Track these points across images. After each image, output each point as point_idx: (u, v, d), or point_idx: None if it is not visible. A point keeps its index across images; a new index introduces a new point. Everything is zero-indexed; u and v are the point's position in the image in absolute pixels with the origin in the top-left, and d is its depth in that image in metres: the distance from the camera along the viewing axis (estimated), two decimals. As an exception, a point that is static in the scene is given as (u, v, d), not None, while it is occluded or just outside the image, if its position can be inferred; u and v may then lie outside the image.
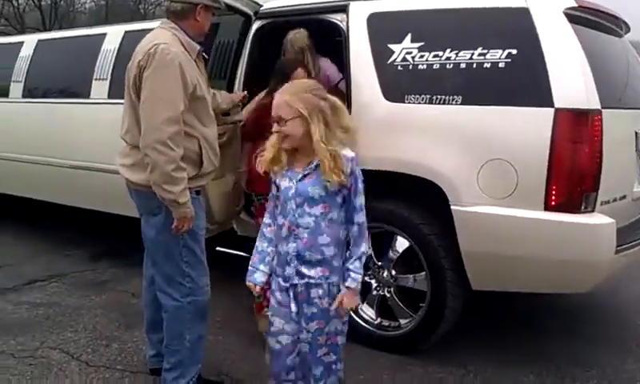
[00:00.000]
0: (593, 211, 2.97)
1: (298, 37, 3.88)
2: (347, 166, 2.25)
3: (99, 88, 4.91)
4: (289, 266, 2.32)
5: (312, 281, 2.31)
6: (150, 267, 2.96)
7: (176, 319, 2.84)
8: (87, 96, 4.98)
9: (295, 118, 2.23)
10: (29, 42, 6.01)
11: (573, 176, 2.93)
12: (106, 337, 3.70)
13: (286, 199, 2.30)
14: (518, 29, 3.11)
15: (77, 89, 5.19)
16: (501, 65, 3.09)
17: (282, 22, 4.02)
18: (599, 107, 2.93)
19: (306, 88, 2.30)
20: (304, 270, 2.30)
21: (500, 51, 3.10)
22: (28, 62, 5.75)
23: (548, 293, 3.74)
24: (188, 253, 2.79)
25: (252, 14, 4.06)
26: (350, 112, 3.45)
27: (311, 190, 2.26)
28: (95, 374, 3.24)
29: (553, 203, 2.92)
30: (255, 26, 4.08)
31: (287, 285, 2.34)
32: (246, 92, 3.78)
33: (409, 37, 3.37)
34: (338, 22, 3.68)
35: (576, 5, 3.14)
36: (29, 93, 5.64)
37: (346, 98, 3.49)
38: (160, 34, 2.77)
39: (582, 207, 2.93)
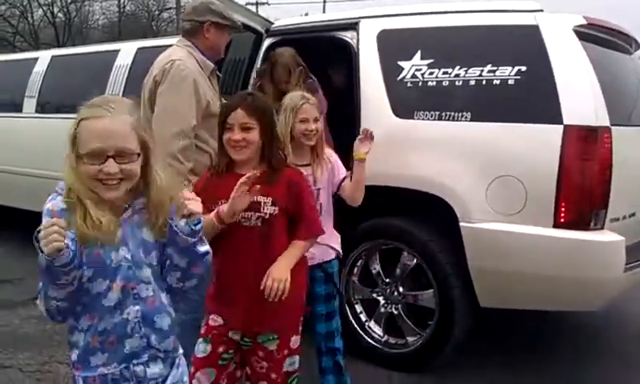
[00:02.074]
0: (602, 228, 2.96)
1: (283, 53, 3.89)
2: None
3: (112, 103, 4.95)
4: None
5: None
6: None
7: (180, 335, 2.84)
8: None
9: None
10: (43, 57, 6.09)
11: (582, 193, 2.92)
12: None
13: None
14: (527, 46, 3.13)
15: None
16: (510, 82, 3.10)
17: (292, 39, 4.05)
18: (608, 124, 2.93)
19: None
20: None
21: (509, 68, 3.10)
22: (42, 78, 5.82)
23: (557, 310, 3.71)
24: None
25: (263, 31, 4.10)
26: (359, 129, 3.48)
27: None
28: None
29: (562, 220, 2.90)
30: (266, 43, 4.11)
31: None
32: None
33: (418, 54, 3.39)
34: (349, 40, 3.71)
35: (585, 22, 3.15)
36: (42, 108, 5.70)
37: (356, 114, 3.51)
38: (176, 51, 2.84)
39: (592, 224, 2.92)
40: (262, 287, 2.14)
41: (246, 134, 2.20)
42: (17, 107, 5.87)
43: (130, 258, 1.63)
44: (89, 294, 1.60)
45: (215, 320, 2.28)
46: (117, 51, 5.24)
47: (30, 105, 5.77)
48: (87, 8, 34.19)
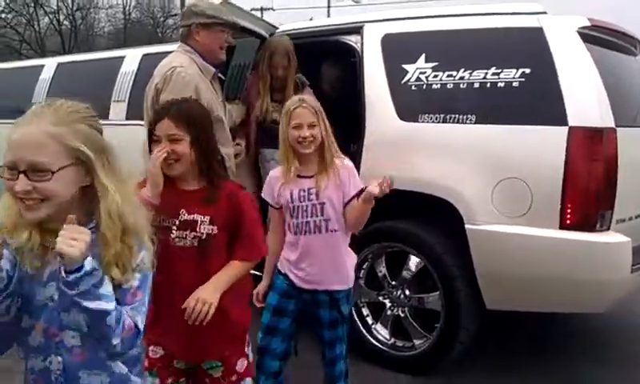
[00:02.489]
0: (608, 230, 2.96)
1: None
2: None
3: (117, 109, 4.99)
4: None
5: None
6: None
7: None
8: (106, 117, 5.05)
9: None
10: (49, 65, 6.13)
11: (588, 194, 2.92)
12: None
13: None
14: (531, 48, 3.13)
15: (96, 110, 5.24)
16: (515, 84, 3.10)
17: (297, 44, 4.06)
18: (613, 125, 2.93)
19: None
20: None
21: (514, 70, 3.11)
22: (48, 85, 5.86)
23: (563, 312, 3.70)
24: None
25: (268, 36, 4.12)
26: (364, 132, 3.49)
27: None
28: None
29: (568, 222, 2.90)
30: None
31: None
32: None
33: (423, 57, 3.40)
34: (353, 44, 3.72)
35: (589, 24, 3.16)
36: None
37: (361, 117, 3.52)
38: (177, 57, 2.85)
39: (598, 226, 2.92)
40: (183, 306, 1.95)
41: (175, 146, 2.01)
42: (23, 114, 5.91)
43: (57, 298, 1.36)
44: (18, 325, 1.41)
45: (155, 351, 2.12)
46: (122, 58, 5.27)
47: (36, 111, 5.79)
48: (93, 15, 34.47)
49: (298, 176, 2.51)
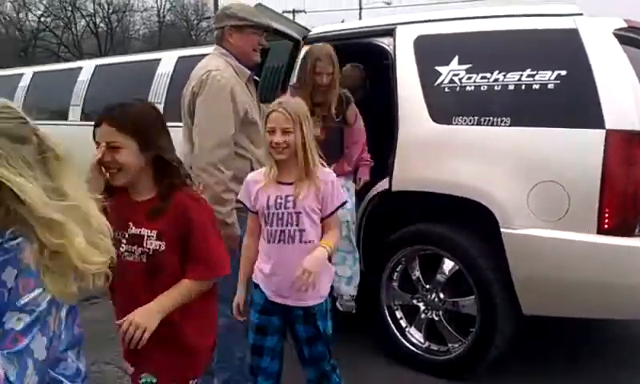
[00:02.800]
0: (647, 234, 2.90)
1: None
2: None
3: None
4: None
5: None
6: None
7: (227, 336, 2.90)
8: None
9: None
10: (87, 67, 6.26)
11: (626, 198, 2.87)
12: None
13: None
14: (567, 50, 3.09)
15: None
16: (550, 86, 3.06)
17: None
18: (652, 128, 2.87)
19: None
20: None
21: (549, 72, 3.07)
22: (86, 87, 5.99)
23: (601, 318, 3.64)
24: (240, 271, 2.84)
25: (300, 38, 4.14)
26: (397, 135, 3.48)
27: None
28: (147, 391, 3.30)
29: (605, 226, 2.85)
30: (304, 50, 4.15)
31: None
32: None
33: (456, 59, 3.38)
34: (385, 46, 3.72)
35: (626, 25, 3.10)
36: (86, 116, 5.85)
37: (393, 120, 3.51)
38: (212, 61, 2.89)
39: (637, 230, 2.87)
40: (117, 326, 1.80)
41: (115, 154, 1.83)
42: (63, 115, 6.06)
43: None
44: None
45: (129, 368, 2.02)
46: (158, 60, 5.37)
47: (75, 113, 5.95)
48: (128, 18, 35.06)
49: (278, 182, 2.39)
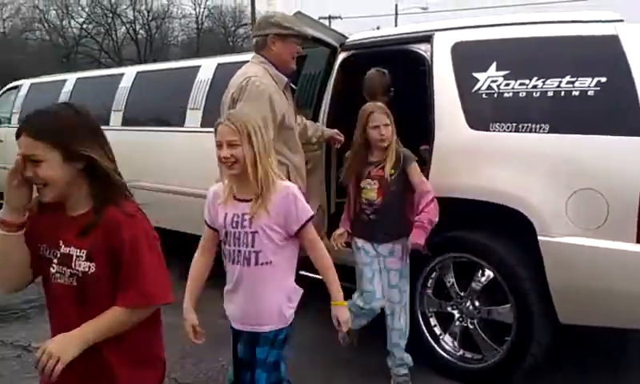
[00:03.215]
0: (687, 244, 2.83)
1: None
2: None
3: (193, 117, 5.16)
4: None
5: None
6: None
7: None
8: (182, 124, 5.24)
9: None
10: (128, 73, 6.39)
11: (666, 207, 2.81)
12: (194, 355, 3.84)
13: None
14: (607, 56, 3.05)
15: (172, 117, 5.47)
16: (590, 93, 3.03)
17: (367, 53, 4.10)
18: (693, 136, 2.82)
19: None
20: None
21: (589, 79, 3.04)
22: (127, 93, 6.12)
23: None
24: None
25: (338, 45, 4.17)
26: (433, 141, 3.48)
27: None
28: (184, 391, 3.34)
29: (645, 235, 2.81)
30: (341, 57, 4.18)
31: None
32: (341, 134, 3.87)
33: (494, 65, 3.36)
34: (423, 53, 3.71)
35: (668, 32, 3.05)
36: (127, 121, 5.98)
37: (430, 126, 3.51)
38: (251, 68, 2.95)
39: (677, 240, 2.81)
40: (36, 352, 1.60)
41: (37, 169, 1.62)
42: (104, 120, 6.19)
43: None
44: None
45: None
46: (198, 67, 5.45)
47: (116, 118, 6.07)
48: (167, 25, 35.66)
49: (236, 198, 2.27)
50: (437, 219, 3.10)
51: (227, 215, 2.26)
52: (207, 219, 2.37)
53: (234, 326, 2.40)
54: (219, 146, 2.20)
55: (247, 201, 2.23)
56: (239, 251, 2.26)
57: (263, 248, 2.23)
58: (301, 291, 2.39)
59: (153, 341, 1.87)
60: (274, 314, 2.30)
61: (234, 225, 2.25)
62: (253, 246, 2.23)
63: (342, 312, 2.34)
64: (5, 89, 8.65)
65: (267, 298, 2.28)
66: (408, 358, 3.35)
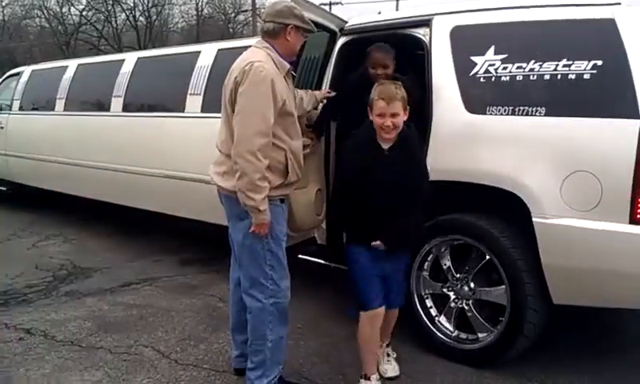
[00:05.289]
0: (680, 224, 2.87)
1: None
2: None
3: (193, 102, 5.18)
4: None
5: None
6: (237, 270, 3.14)
7: (259, 320, 2.99)
8: (182, 110, 5.27)
9: None
10: (129, 59, 6.39)
11: (659, 189, 2.85)
12: (194, 337, 3.90)
13: None
14: (603, 40, 3.07)
15: (173, 103, 5.47)
16: (586, 76, 3.06)
17: (366, 37, 4.12)
18: (687, 119, 2.85)
19: None
20: None
21: (585, 62, 3.06)
22: (128, 78, 6.12)
23: (632, 308, 3.62)
24: (272, 256, 2.94)
25: (337, 30, 4.19)
26: (430, 124, 3.52)
27: None
28: (184, 372, 3.42)
29: (638, 216, 2.84)
30: (340, 41, 4.20)
31: None
32: (331, 91, 3.97)
33: (492, 49, 3.39)
34: (421, 36, 3.74)
35: (665, 15, 3.07)
36: (128, 107, 6.00)
37: (428, 110, 3.54)
38: (255, 53, 2.97)
39: (670, 221, 2.85)
40: None
41: None
42: (105, 106, 6.23)
43: None
44: None
45: None
46: (198, 53, 5.45)
47: (117, 104, 6.09)
48: (167, 12, 35.48)
49: None
50: None
51: None
52: None
53: None
54: None
55: None
56: None
57: None
58: None
59: None
60: None
61: None
62: None
63: None
64: (6, 76, 8.68)
65: None
66: None
